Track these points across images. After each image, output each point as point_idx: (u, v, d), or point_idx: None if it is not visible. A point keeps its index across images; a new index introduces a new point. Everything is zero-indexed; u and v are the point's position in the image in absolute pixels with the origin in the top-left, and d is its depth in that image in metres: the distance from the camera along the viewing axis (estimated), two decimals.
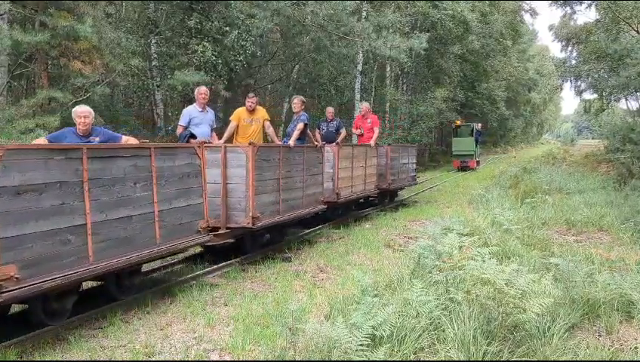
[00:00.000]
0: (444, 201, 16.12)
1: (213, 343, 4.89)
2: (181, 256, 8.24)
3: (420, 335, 4.25)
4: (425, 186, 21.67)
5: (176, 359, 4.58)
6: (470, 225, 8.53)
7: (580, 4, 29.48)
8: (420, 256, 6.33)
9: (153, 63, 16.32)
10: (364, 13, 23.14)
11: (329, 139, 11.71)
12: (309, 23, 19.15)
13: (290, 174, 8.78)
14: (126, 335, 5.07)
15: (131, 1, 16.74)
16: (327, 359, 3.95)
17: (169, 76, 15.36)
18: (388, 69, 30.68)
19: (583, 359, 4.23)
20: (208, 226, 6.92)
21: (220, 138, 8.92)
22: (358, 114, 13.25)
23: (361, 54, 23.48)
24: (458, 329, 4.17)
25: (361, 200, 13.66)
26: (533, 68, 66.66)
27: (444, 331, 4.31)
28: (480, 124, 34.49)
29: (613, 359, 4.31)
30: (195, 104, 8.65)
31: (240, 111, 9.36)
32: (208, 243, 7.35)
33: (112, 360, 4.57)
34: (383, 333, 4.07)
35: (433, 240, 6.55)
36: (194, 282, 6.88)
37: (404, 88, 34.21)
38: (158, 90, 16.37)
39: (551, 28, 40.52)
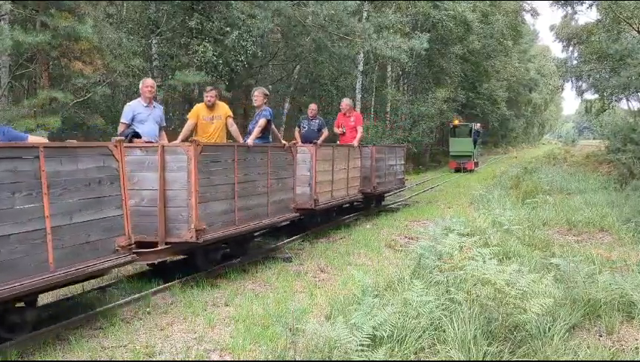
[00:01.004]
0: (444, 201, 16.12)
1: (213, 343, 4.89)
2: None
3: (420, 336, 4.25)
4: (426, 186, 21.67)
5: (177, 359, 4.58)
6: (471, 226, 8.54)
7: (581, 4, 29.50)
8: (420, 257, 6.33)
9: (154, 64, 16.33)
10: (364, 14, 23.15)
11: (310, 138, 10.80)
12: (310, 24, 19.16)
13: (250, 178, 7.69)
14: (126, 335, 5.07)
15: (132, 1, 16.75)
16: (327, 359, 3.95)
17: (170, 77, 15.37)
18: (389, 69, 30.67)
19: (583, 359, 4.23)
20: (131, 244, 5.62)
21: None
22: (345, 111, 12.19)
23: (362, 54, 23.50)
24: (458, 329, 4.17)
25: (346, 206, 12.55)
26: (534, 68, 66.65)
27: (444, 331, 4.31)
28: (479, 124, 33.33)
29: (614, 359, 4.31)
30: (139, 98, 7.66)
31: (198, 108, 8.40)
32: (148, 262, 6.60)
33: (113, 360, 4.57)
34: (384, 334, 4.07)
35: (434, 240, 6.55)
36: (194, 283, 6.87)
37: (405, 88, 34.24)
38: (159, 91, 16.37)
39: (552, 28, 40.57)
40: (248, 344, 4.77)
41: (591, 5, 29.11)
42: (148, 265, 7.25)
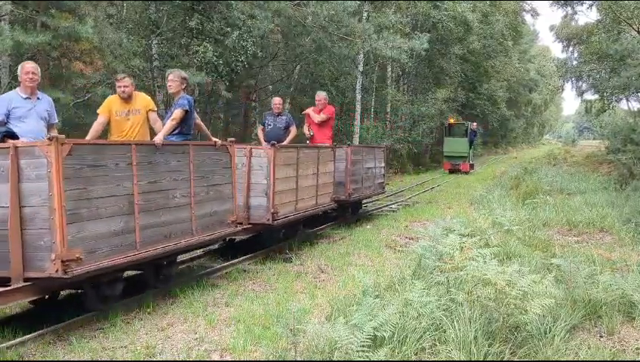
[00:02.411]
0: (445, 202, 16.12)
1: (214, 344, 4.89)
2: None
3: (421, 336, 4.25)
4: (426, 187, 21.68)
5: (178, 359, 4.58)
6: (471, 226, 8.54)
7: (581, 4, 29.54)
8: (421, 257, 6.33)
9: (154, 64, 16.31)
10: (365, 14, 23.14)
11: (275, 138, 9.36)
12: (310, 24, 19.16)
13: (161, 186, 5.99)
14: (127, 335, 5.07)
15: (133, 1, 16.74)
16: (328, 359, 3.95)
17: None
18: (389, 69, 30.67)
19: (584, 359, 4.23)
20: None
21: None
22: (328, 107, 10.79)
23: (362, 55, 23.49)
24: (459, 329, 4.17)
25: (321, 214, 10.76)
26: (534, 68, 66.68)
27: (445, 332, 4.31)
28: (475, 124, 31.73)
29: (615, 359, 4.31)
30: (17, 89, 6.13)
31: (110, 101, 6.66)
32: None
33: (114, 360, 4.57)
34: (384, 334, 4.07)
35: (434, 240, 6.55)
36: (195, 282, 6.87)
37: (405, 89, 34.24)
38: (159, 91, 16.36)
39: (552, 28, 40.62)
40: (249, 344, 4.77)
41: (591, 5, 29.17)
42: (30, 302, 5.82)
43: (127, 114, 6.57)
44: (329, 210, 11.18)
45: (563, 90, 55.97)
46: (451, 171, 28.79)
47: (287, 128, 9.92)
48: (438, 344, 4.23)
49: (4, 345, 4.62)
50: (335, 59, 22.38)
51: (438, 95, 32.25)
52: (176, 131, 6.68)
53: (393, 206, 15.41)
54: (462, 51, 34.03)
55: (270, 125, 9.96)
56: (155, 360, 4.59)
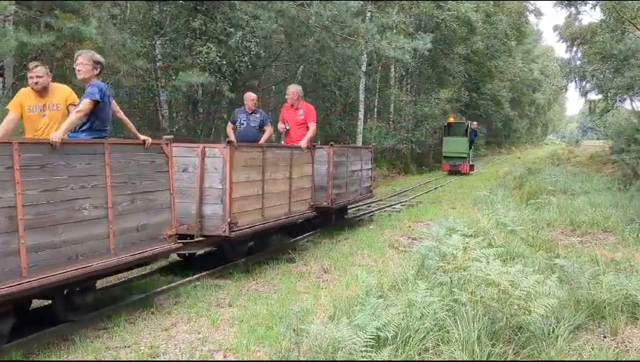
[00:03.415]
0: (448, 202, 16.11)
1: (217, 344, 4.90)
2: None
3: (424, 337, 4.25)
4: (429, 187, 21.67)
5: (182, 359, 4.59)
6: (474, 226, 8.53)
7: (585, 4, 29.38)
8: (424, 257, 6.33)
9: (158, 64, 16.35)
10: (368, 14, 23.14)
11: (249, 138, 8.74)
12: (313, 24, 19.16)
13: (60, 195, 4.77)
14: (131, 336, 5.08)
15: (137, 1, 16.77)
16: (331, 359, 3.95)
17: (174, 77, 15.38)
18: (392, 69, 30.68)
19: (587, 360, 4.23)
20: None
21: None
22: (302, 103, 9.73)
23: (366, 55, 23.49)
24: (462, 330, 4.17)
25: (299, 222, 9.62)
26: (537, 68, 66.58)
27: (448, 332, 4.31)
28: (475, 123, 30.77)
29: (618, 360, 4.30)
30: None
31: (22, 95, 5.64)
32: None
33: (117, 360, 4.58)
34: (388, 334, 4.07)
35: (437, 241, 6.54)
36: (198, 283, 6.88)
37: (409, 89, 34.23)
38: (162, 91, 16.40)
39: (555, 28, 40.63)
40: (252, 344, 4.78)
41: (595, 5, 29.01)
42: None
43: (42, 109, 5.58)
44: (306, 218, 9.65)
45: (566, 90, 55.71)
46: (450, 172, 27.89)
47: (261, 127, 9.13)
48: (441, 344, 4.23)
49: (7, 344, 4.64)
50: (338, 59, 22.38)
51: (442, 95, 32.24)
52: (86, 127, 5.46)
53: (397, 206, 15.40)
54: (465, 51, 34.02)
55: (243, 124, 9.12)
56: (158, 360, 4.60)
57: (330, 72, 23.72)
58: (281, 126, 9.64)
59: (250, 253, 8.17)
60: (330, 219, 11.30)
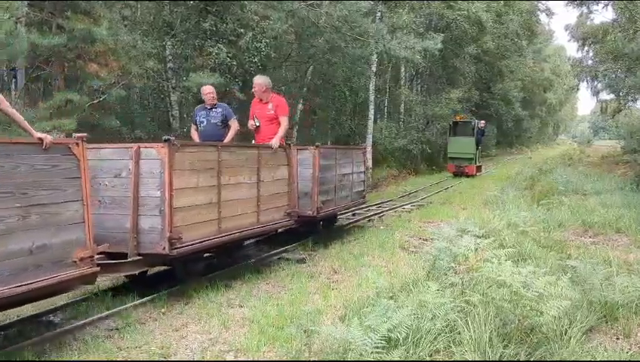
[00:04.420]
0: (459, 202, 16.04)
1: (228, 344, 4.90)
2: None
3: (435, 338, 4.24)
4: (440, 187, 21.60)
5: (192, 359, 4.60)
6: (486, 227, 8.50)
7: (597, 3, 29.19)
8: (435, 258, 6.31)
9: (169, 65, 16.40)
10: (378, 14, 23.11)
11: (212, 137, 7.85)
12: (324, 25, 19.15)
13: None
14: (142, 336, 5.10)
15: (148, 1, 16.83)
16: (342, 360, 3.94)
17: (184, 78, 15.44)
18: (402, 69, 30.60)
19: (601, 360, 4.19)
20: None
21: None
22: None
23: (376, 55, 23.43)
24: (474, 331, 4.15)
25: (275, 233, 8.90)
26: (549, 68, 66.24)
27: (459, 333, 4.29)
28: (483, 122, 28.51)
29: (632, 360, 4.27)
30: None
31: None
32: None
33: (128, 360, 4.60)
34: (399, 336, 4.06)
35: (448, 241, 6.52)
36: (208, 284, 6.90)
37: (419, 89, 34.15)
38: (173, 92, 16.46)
39: (567, 28, 40.23)
40: (263, 345, 4.78)
41: (606, 5, 28.79)
42: None
43: None
44: (281, 228, 8.68)
45: (578, 89, 55.39)
46: (456, 174, 26.18)
47: (225, 123, 8.17)
48: (452, 345, 4.21)
49: (21, 344, 4.67)
50: (348, 59, 22.35)
51: (452, 95, 32.09)
52: None
53: (407, 206, 15.36)
54: (476, 51, 33.86)
55: (203, 122, 8.16)
56: (169, 360, 4.61)
57: (340, 72, 23.70)
58: (250, 123, 8.51)
59: (213, 270, 7.32)
60: (317, 229, 10.11)
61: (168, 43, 16.07)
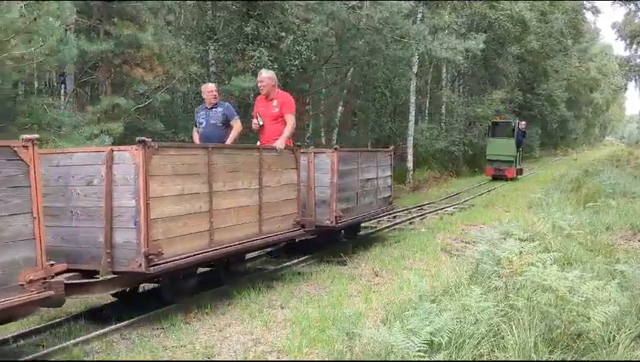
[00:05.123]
0: (502, 205, 15.79)
1: (270, 345, 4.96)
2: None
3: (479, 342, 4.19)
4: (482, 189, 21.31)
5: (234, 360, 4.66)
6: (530, 230, 8.34)
7: None
8: (478, 262, 6.24)
9: (211, 69, 16.66)
10: (419, 15, 22.99)
11: (212, 138, 7.30)
12: (364, 26, 19.16)
13: None
14: (186, 336, 5.20)
15: (192, 1, 17.09)
16: (385, 360, 3.94)
17: (226, 82, 15.64)
18: (444, 70, 30.34)
19: None
20: None
21: None
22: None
23: (417, 56, 23.32)
24: (518, 336, 4.09)
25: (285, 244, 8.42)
26: (595, 67, 64.58)
27: (503, 338, 4.23)
28: (524, 122, 27.01)
29: None
30: None
31: None
32: None
33: (173, 360, 4.68)
34: (441, 339, 4.03)
35: (492, 245, 6.44)
36: (250, 285, 6.98)
37: (461, 90, 33.79)
38: (215, 96, 16.71)
39: (614, 26, 39.35)
40: (305, 347, 4.81)
41: None
42: None
43: None
44: (289, 240, 7.84)
45: (626, 89, 53.93)
46: (494, 178, 24.82)
47: (226, 123, 7.66)
48: (496, 350, 4.16)
49: (70, 342, 4.82)
50: (389, 61, 22.31)
51: (495, 96, 31.62)
52: None
53: (449, 209, 15.22)
54: (519, 51, 33.33)
55: (202, 123, 7.68)
56: (210, 360, 4.68)
57: (381, 73, 23.66)
58: (254, 122, 7.84)
59: (211, 286, 6.65)
60: (336, 239, 9.46)
61: (211, 47, 16.33)
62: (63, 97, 13.56)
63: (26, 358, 4.51)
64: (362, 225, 11.10)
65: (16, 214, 4.14)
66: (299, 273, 7.70)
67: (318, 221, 8.05)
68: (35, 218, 4.25)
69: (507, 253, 5.30)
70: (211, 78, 16.40)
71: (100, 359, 4.71)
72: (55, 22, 7.92)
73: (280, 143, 7.20)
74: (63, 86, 14.11)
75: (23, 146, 4.21)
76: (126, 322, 5.39)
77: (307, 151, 8.42)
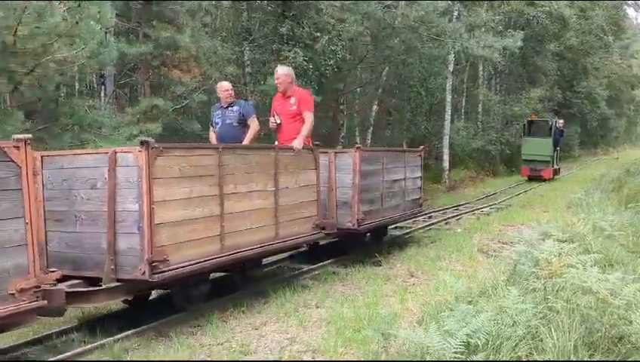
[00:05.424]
0: (540, 205, 15.52)
1: (305, 344, 4.98)
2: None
3: (516, 344, 4.13)
4: (520, 189, 20.99)
5: (269, 359, 4.70)
6: (569, 231, 8.18)
7: None
8: (516, 263, 6.15)
9: (247, 70, 16.82)
10: (455, 13, 22.78)
11: (227, 139, 7.09)
12: (400, 25, 19.07)
13: None
14: (223, 333, 5.26)
15: (228, 0, 17.27)
16: (422, 360, 3.93)
17: (262, 82, 15.77)
18: (480, 68, 29.97)
19: None
20: None
21: None
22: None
23: (453, 55, 23.11)
24: (557, 339, 4.03)
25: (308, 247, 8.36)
26: (637, 64, 62.87)
27: (542, 341, 4.17)
28: (562, 121, 25.84)
29: None
30: None
31: None
32: None
33: (207, 360, 4.72)
34: (478, 341, 3.99)
35: (530, 246, 6.34)
36: (286, 284, 7.02)
37: (498, 88, 33.32)
38: (251, 96, 16.84)
39: None
40: (340, 346, 4.82)
41: None
42: None
43: None
44: (306, 243, 7.73)
45: None
46: (530, 178, 23.87)
47: (243, 123, 7.36)
48: (534, 353, 4.10)
49: (111, 338, 4.93)
50: (425, 59, 22.16)
51: (533, 94, 31.07)
52: None
53: (485, 209, 15.03)
54: (558, 48, 32.70)
55: (218, 123, 7.43)
56: (242, 360, 4.70)
57: (416, 72, 23.51)
58: (271, 121, 7.55)
59: (226, 293, 6.40)
60: (360, 242, 9.08)
61: (246, 48, 16.49)
62: (103, 99, 13.89)
63: (67, 353, 4.64)
64: (397, 225, 11.07)
65: (5, 219, 3.91)
66: (334, 273, 7.71)
67: (340, 223, 7.82)
68: (27, 223, 4.01)
69: (546, 254, 5.22)
70: (247, 79, 16.56)
71: (136, 359, 4.80)
72: (96, 25, 8.11)
73: (297, 143, 6.91)
74: (103, 88, 14.45)
75: (14, 147, 3.96)
76: (164, 320, 5.49)
77: (328, 150, 8.20)
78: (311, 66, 15.80)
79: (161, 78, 13.13)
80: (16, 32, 7.48)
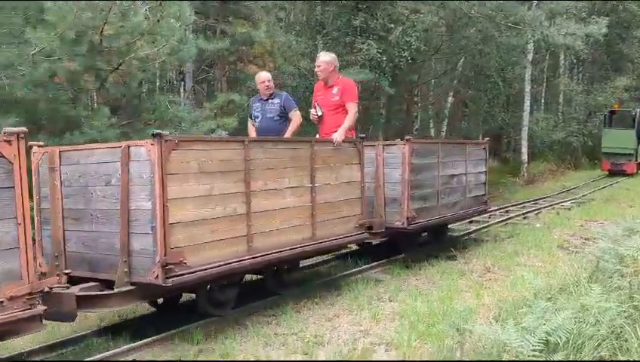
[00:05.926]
0: (625, 200, 14.79)
1: (379, 337, 4.98)
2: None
3: (599, 344, 3.97)
4: (604, 183, 20.08)
5: (336, 357, 4.71)
6: None
7: None
8: (599, 259, 5.90)
9: None
10: (534, 1, 22.01)
11: (268, 133, 6.66)
12: (476, 14, 18.63)
13: None
14: (297, 324, 5.33)
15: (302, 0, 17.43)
16: (499, 360, 3.85)
17: None
18: (561, 57, 28.84)
19: None
20: None
21: None
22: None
23: (532, 43, 22.35)
24: None
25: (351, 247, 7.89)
26: None
27: (626, 341, 3.99)
28: None
29: None
30: None
31: None
32: None
33: (269, 360, 4.70)
34: (558, 340, 3.86)
35: (614, 242, 6.07)
36: (359, 276, 7.02)
37: (580, 77, 31.98)
38: None
39: None
40: (413, 340, 4.78)
41: None
42: None
43: None
44: (347, 245, 7.23)
45: None
46: (611, 173, 22.25)
47: (283, 116, 6.92)
48: (619, 353, 3.93)
49: (192, 324, 5.10)
50: (502, 49, 21.58)
51: (618, 83, 29.60)
52: None
53: (566, 203, 14.49)
54: None
55: (258, 116, 7.01)
56: (309, 360, 4.73)
57: (494, 62, 22.92)
58: (312, 112, 7.01)
59: (258, 298, 5.98)
60: (413, 242, 8.40)
61: (320, 41, 16.57)
62: (182, 94, 14.36)
63: (156, 337, 4.81)
64: (472, 219, 10.84)
65: None
66: (407, 267, 7.66)
67: (388, 222, 7.24)
68: (19, 224, 3.64)
69: (632, 251, 4.99)
70: None
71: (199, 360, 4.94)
72: (176, 23, 8.39)
73: (338, 135, 6.34)
74: (182, 83, 14.95)
75: (5, 141, 3.57)
76: (241, 308, 5.63)
77: (375, 143, 7.70)
78: (385, 58, 15.71)
79: (237, 73, 13.43)
80: (102, 31, 7.86)
